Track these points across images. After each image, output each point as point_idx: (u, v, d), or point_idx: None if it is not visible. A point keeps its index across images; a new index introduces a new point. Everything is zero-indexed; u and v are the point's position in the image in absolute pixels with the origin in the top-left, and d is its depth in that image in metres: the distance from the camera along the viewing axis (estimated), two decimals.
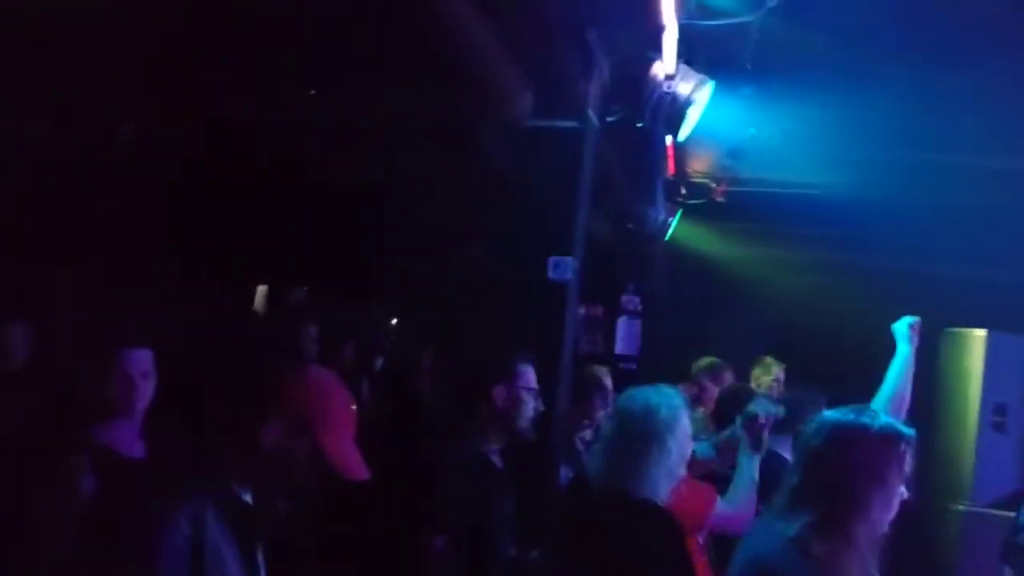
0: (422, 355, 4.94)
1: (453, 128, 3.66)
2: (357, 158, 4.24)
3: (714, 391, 4.65)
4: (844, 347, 5.97)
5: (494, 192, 4.02)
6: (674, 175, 4.85)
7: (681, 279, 6.27)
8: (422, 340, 5.19)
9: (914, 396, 6.31)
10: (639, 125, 2.91)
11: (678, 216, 5.43)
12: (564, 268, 3.22)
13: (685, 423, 2.46)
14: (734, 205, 5.37)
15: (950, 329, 6.00)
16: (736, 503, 2.90)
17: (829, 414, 2.13)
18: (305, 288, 5.57)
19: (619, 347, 6.85)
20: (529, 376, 2.76)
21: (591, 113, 3.13)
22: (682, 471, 2.44)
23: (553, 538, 2.50)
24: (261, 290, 6.31)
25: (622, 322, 6.80)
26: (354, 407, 1.85)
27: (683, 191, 5.19)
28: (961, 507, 5.55)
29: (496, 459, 2.74)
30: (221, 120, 3.58)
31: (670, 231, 5.43)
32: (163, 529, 1.64)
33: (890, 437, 2.03)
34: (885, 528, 2.04)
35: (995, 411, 5.69)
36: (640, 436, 2.39)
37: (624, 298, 6.61)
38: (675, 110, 2.78)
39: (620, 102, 3.01)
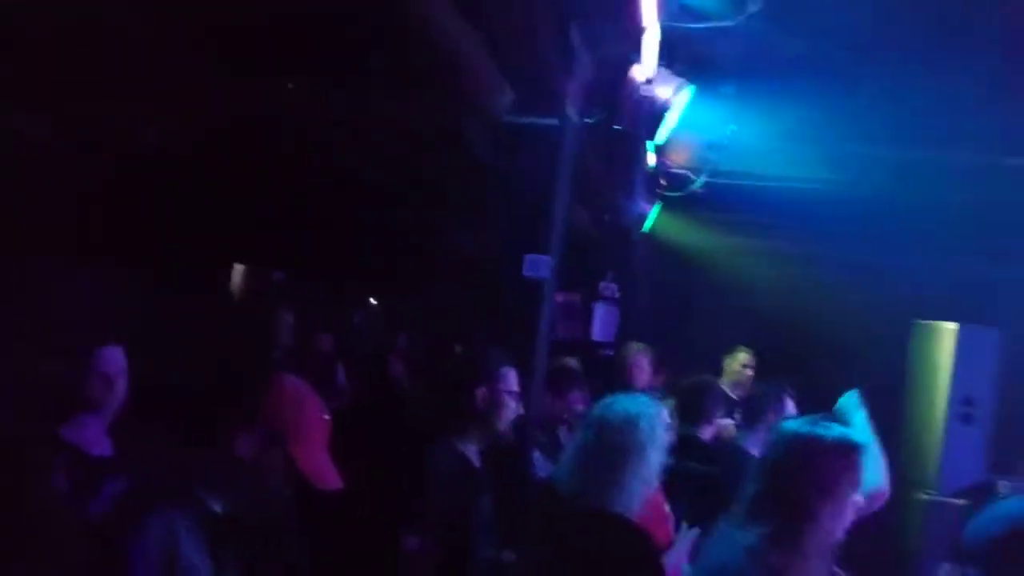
0: (397, 339, 4.95)
1: (434, 123, 3.66)
2: (337, 151, 4.22)
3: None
4: (819, 337, 6.06)
5: (474, 186, 4.02)
6: (654, 167, 4.87)
7: (660, 268, 6.31)
8: (398, 326, 5.21)
9: (884, 387, 6.46)
10: (617, 128, 2.92)
11: (657, 207, 5.45)
12: (539, 266, 3.24)
13: (663, 434, 2.44)
14: (713, 196, 5.39)
15: (921, 321, 6.10)
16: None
17: (787, 424, 2.17)
18: (282, 272, 5.57)
19: (596, 333, 6.89)
20: (511, 379, 2.77)
21: (571, 111, 3.14)
22: (655, 483, 2.44)
23: (525, 544, 2.51)
24: (238, 269, 6.29)
25: (599, 308, 6.84)
26: (327, 417, 1.87)
27: (663, 183, 5.21)
28: (927, 496, 5.67)
29: (475, 459, 2.76)
30: (200, 110, 3.55)
31: (649, 222, 5.45)
32: (137, 537, 1.65)
33: (843, 448, 2.05)
34: (839, 536, 2.08)
35: (963, 403, 5.79)
36: (619, 448, 2.33)
37: (602, 285, 6.65)
38: (653, 114, 2.79)
39: (599, 103, 3.01)
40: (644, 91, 2.76)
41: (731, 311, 5.66)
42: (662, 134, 2.99)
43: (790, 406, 3.80)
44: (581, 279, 6.18)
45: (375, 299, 6.43)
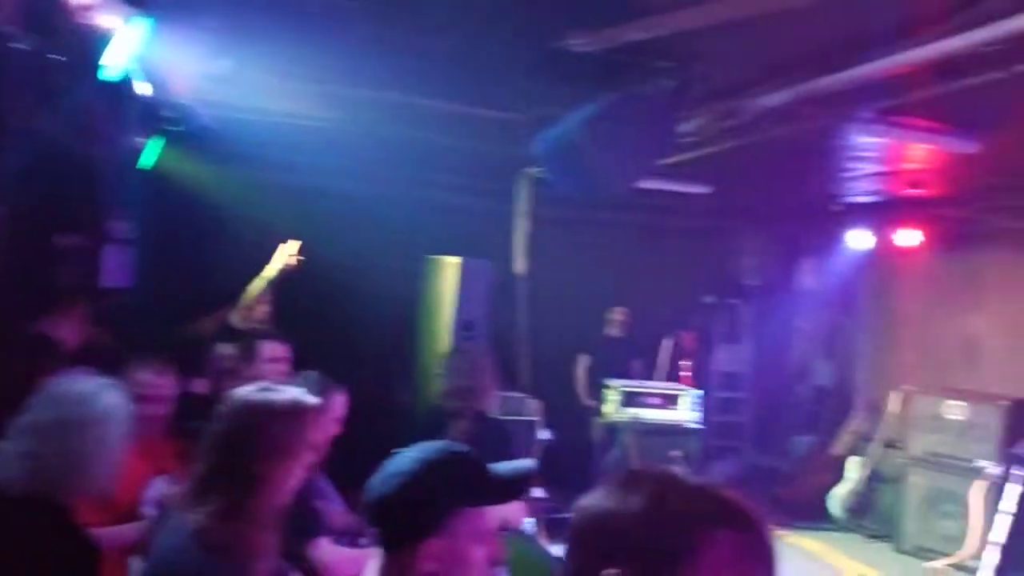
0: None
1: None
2: None
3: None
4: (337, 272, 6.23)
5: None
6: (150, 98, 4.45)
7: (174, 206, 5.88)
8: None
9: (400, 315, 6.92)
10: (57, 57, 2.54)
11: (160, 141, 5.04)
12: None
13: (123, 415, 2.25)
14: (223, 131, 5.14)
15: (430, 256, 6.67)
16: None
17: (238, 393, 2.10)
18: None
19: (108, 279, 6.25)
20: None
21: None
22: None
23: None
24: None
25: (109, 251, 6.20)
26: None
27: (164, 115, 4.80)
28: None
29: None
30: None
31: (151, 156, 5.02)
32: None
33: (295, 410, 2.08)
34: (289, 497, 2.11)
35: (464, 327, 6.48)
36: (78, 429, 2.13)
37: (110, 224, 6.01)
38: (94, 43, 2.48)
39: (33, 28, 2.59)
40: (83, 18, 2.43)
41: (247, 249, 5.51)
42: (115, 64, 2.69)
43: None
44: (83, 217, 5.51)
45: None
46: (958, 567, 6.25)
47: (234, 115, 4.94)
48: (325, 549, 2.63)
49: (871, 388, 8.13)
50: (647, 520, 1.11)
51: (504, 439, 3.78)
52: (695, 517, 1.12)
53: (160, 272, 5.94)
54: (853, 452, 7.67)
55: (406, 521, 1.55)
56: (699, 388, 7.39)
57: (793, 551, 6.90)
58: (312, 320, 5.82)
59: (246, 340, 3.96)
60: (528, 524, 3.83)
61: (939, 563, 6.45)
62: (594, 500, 1.18)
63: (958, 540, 6.37)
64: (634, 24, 3.32)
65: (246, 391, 2.08)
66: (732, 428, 9.11)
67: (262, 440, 2.01)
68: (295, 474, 2.08)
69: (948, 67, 3.27)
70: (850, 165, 5.95)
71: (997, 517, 5.16)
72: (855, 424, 7.97)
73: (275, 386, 2.12)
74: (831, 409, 8.50)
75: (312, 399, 2.16)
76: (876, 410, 7.69)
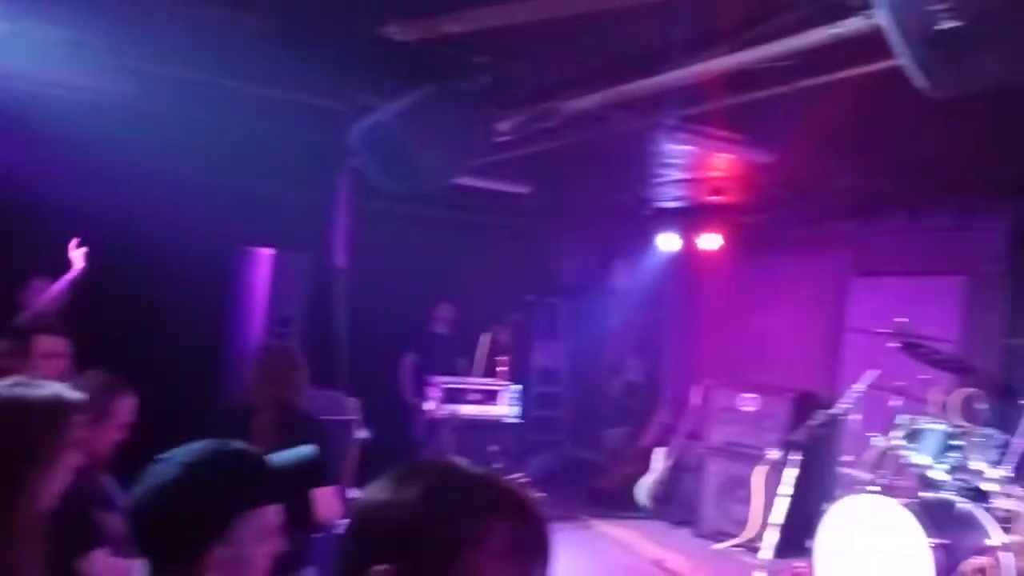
0: None
1: None
2: None
3: None
4: (142, 260, 5.80)
5: None
6: None
7: None
8: None
9: (210, 310, 6.55)
10: None
11: None
12: None
13: None
14: (5, 105, 4.64)
15: (242, 247, 6.36)
16: None
17: None
18: None
19: None
20: None
21: None
22: None
23: None
24: None
25: None
26: None
27: None
28: None
29: None
30: None
31: None
32: None
33: (53, 407, 1.89)
34: (53, 504, 1.92)
35: (280, 323, 6.25)
36: None
37: None
38: None
39: None
40: None
41: (46, 236, 5.01)
42: None
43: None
44: None
45: None
46: (744, 547, 6.74)
47: (15, 85, 4.47)
48: (100, 563, 2.41)
49: (676, 382, 8.62)
50: (421, 512, 1.08)
51: (315, 433, 3.63)
52: (471, 507, 1.10)
53: None
54: (659, 443, 8.09)
55: (182, 536, 1.41)
56: (517, 383, 7.54)
57: (602, 539, 7.19)
58: (110, 314, 5.38)
59: (19, 334, 3.58)
60: (344, 524, 3.69)
61: (727, 543, 6.93)
62: (370, 493, 1.14)
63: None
64: (451, 16, 3.31)
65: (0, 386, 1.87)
66: (550, 422, 9.37)
67: (14, 440, 1.81)
68: (58, 479, 1.89)
69: (741, 79, 3.49)
70: (660, 171, 6.26)
71: (776, 499, 5.59)
72: (661, 416, 8.42)
73: (33, 381, 1.91)
74: (641, 402, 8.94)
75: (75, 395, 1.96)
76: (681, 403, 8.16)
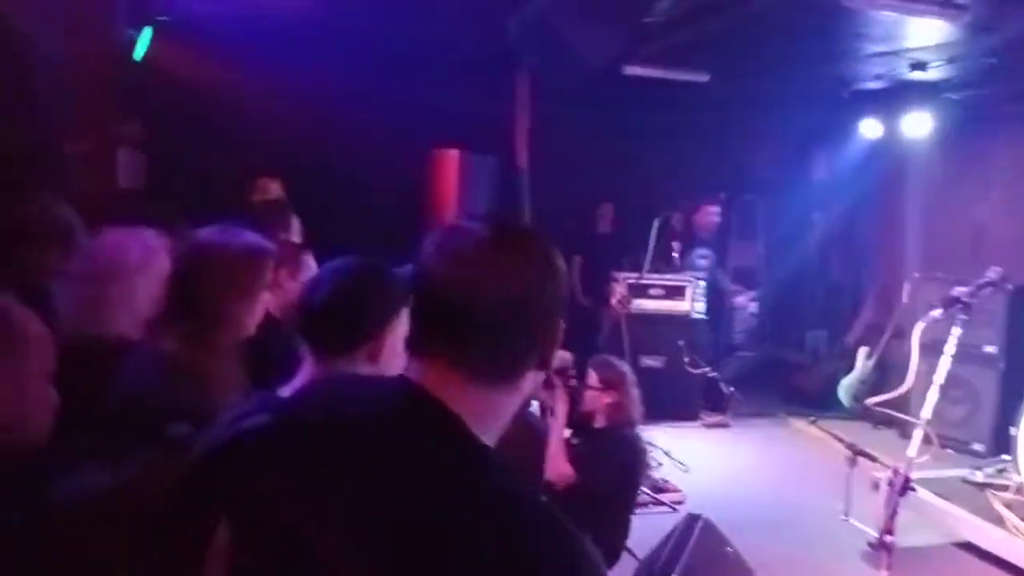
0: None
1: None
2: None
3: None
4: (341, 166, 6.33)
5: None
6: None
7: (180, 104, 5.98)
8: None
9: (402, 210, 6.94)
10: None
11: (148, 32, 5.05)
12: None
13: None
14: (215, 21, 5.11)
15: (432, 149, 6.74)
16: None
17: (197, 233, 2.25)
18: None
19: (123, 180, 6.44)
20: None
21: None
22: None
23: None
24: None
25: (122, 154, 6.37)
26: None
27: (150, 4, 4.78)
28: None
29: None
30: None
31: (141, 48, 5.05)
32: None
33: (250, 251, 2.19)
34: (251, 332, 2.22)
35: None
36: None
37: (121, 128, 6.16)
38: None
39: None
40: None
41: (253, 145, 5.62)
42: None
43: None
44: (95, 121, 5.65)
45: None
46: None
47: (222, 6, 4.94)
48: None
49: (881, 279, 8.10)
50: None
51: None
52: None
53: (171, 174, 6.08)
54: (863, 343, 7.71)
55: (356, 328, 1.70)
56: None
57: (799, 437, 7.06)
58: (309, 216, 5.98)
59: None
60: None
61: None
62: None
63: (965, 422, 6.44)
64: None
65: (206, 231, 2.21)
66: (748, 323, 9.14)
67: (222, 276, 2.13)
68: (255, 312, 2.22)
69: None
70: (854, 45, 5.80)
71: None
72: (866, 315, 7.98)
73: (236, 230, 2.22)
74: (844, 301, 8.50)
75: (269, 246, 2.27)
76: (886, 300, 7.68)
